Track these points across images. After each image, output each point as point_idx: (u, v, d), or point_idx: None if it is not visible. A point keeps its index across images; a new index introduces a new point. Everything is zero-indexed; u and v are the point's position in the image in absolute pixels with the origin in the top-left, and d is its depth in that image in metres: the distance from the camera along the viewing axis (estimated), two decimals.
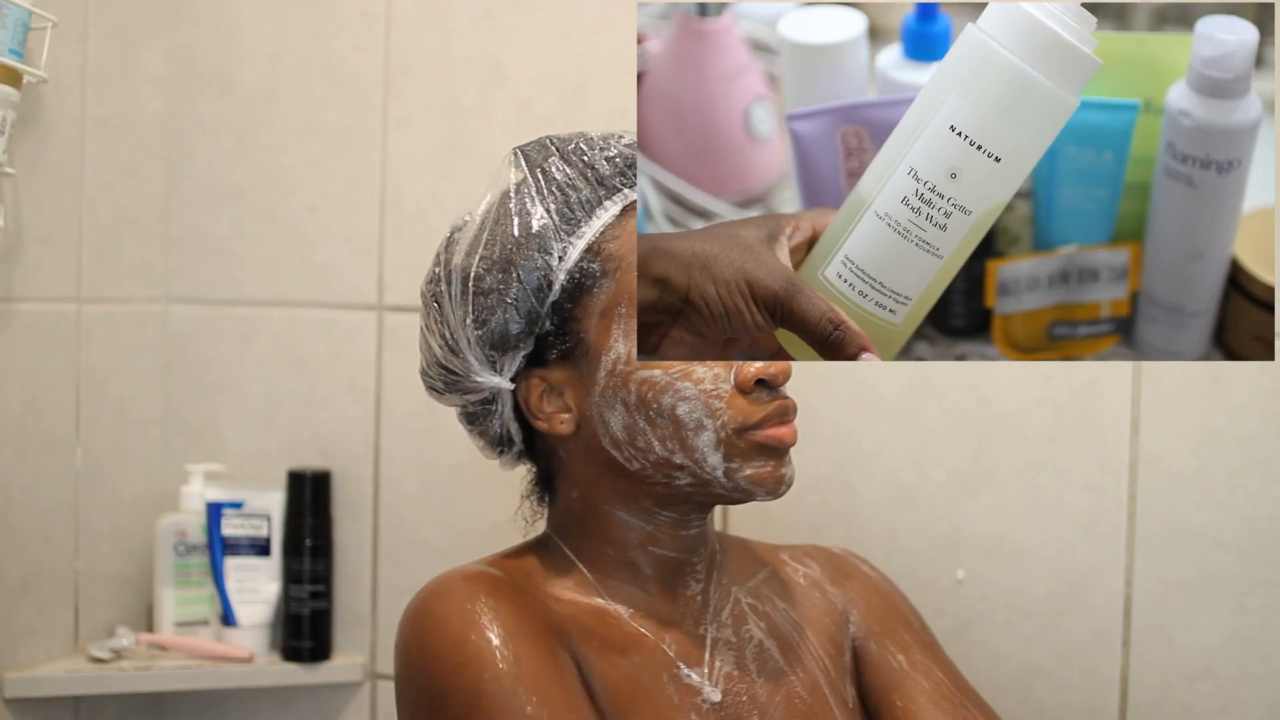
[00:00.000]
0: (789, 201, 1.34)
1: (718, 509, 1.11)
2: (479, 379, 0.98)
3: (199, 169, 1.53)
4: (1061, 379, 1.24)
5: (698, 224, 1.31)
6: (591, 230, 0.96)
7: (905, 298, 0.92)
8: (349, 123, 1.48)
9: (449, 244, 1.00)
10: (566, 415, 0.97)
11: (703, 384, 0.92)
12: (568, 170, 0.97)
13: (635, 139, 1.00)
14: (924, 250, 0.90)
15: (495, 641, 0.87)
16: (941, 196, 0.88)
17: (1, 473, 1.32)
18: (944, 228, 0.89)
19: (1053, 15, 0.85)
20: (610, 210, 0.97)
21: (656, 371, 0.93)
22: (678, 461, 0.94)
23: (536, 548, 1.02)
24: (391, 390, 1.47)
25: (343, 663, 1.46)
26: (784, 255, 0.93)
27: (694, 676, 0.96)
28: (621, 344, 0.94)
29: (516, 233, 0.95)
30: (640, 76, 1.32)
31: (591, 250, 0.95)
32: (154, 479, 1.52)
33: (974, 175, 0.87)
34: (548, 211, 0.95)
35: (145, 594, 1.49)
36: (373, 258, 1.47)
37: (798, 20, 1.23)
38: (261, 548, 1.45)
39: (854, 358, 0.90)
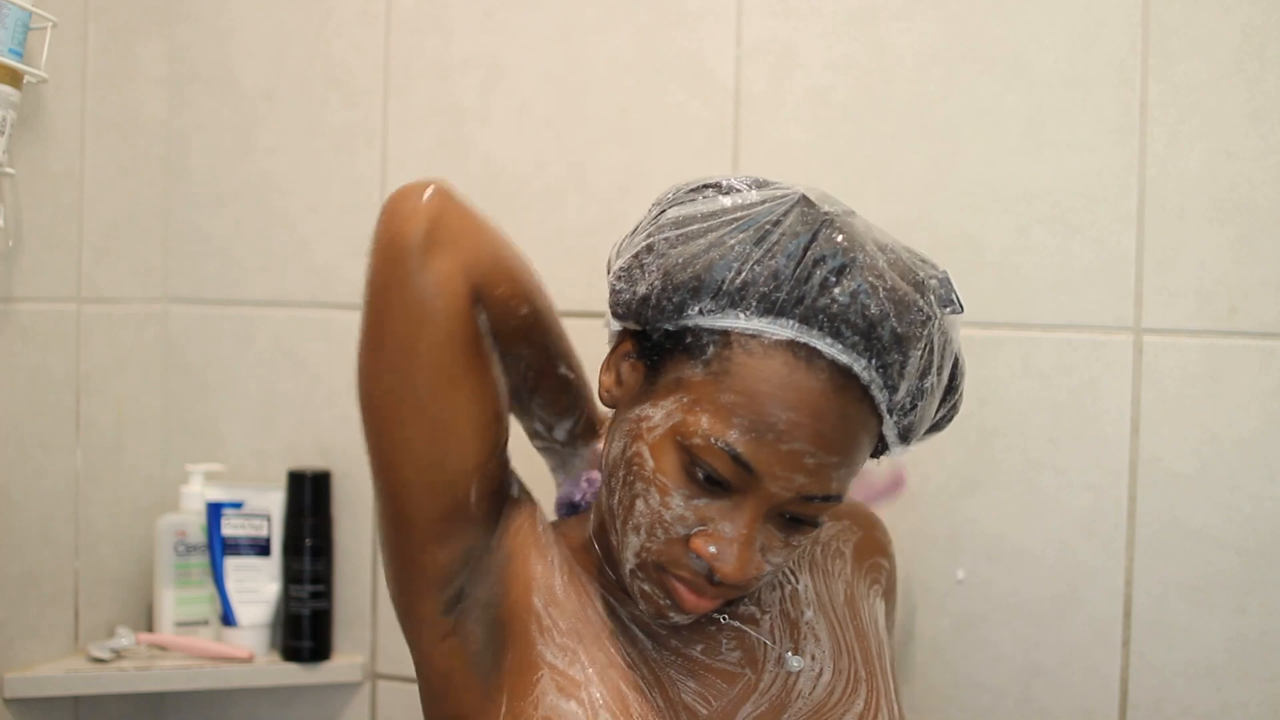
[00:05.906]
0: None
1: None
2: None
3: (199, 169, 1.52)
4: (1061, 379, 1.24)
5: None
6: (730, 322, 0.84)
7: None
8: (349, 123, 1.48)
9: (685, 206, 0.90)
10: (612, 386, 0.92)
11: (669, 509, 0.87)
12: (790, 256, 0.83)
13: (922, 294, 0.85)
14: None
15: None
16: None
17: (1, 473, 1.31)
18: None
19: None
20: (775, 334, 0.83)
21: (650, 459, 0.87)
22: (615, 526, 0.91)
23: (589, 541, 1.00)
24: None
25: (343, 663, 1.46)
26: None
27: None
28: (661, 417, 0.87)
29: (682, 257, 0.86)
30: None
31: (719, 332, 0.85)
32: (154, 479, 1.52)
33: None
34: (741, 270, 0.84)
35: (145, 594, 1.49)
36: None
37: None
38: (261, 548, 1.45)
39: None
